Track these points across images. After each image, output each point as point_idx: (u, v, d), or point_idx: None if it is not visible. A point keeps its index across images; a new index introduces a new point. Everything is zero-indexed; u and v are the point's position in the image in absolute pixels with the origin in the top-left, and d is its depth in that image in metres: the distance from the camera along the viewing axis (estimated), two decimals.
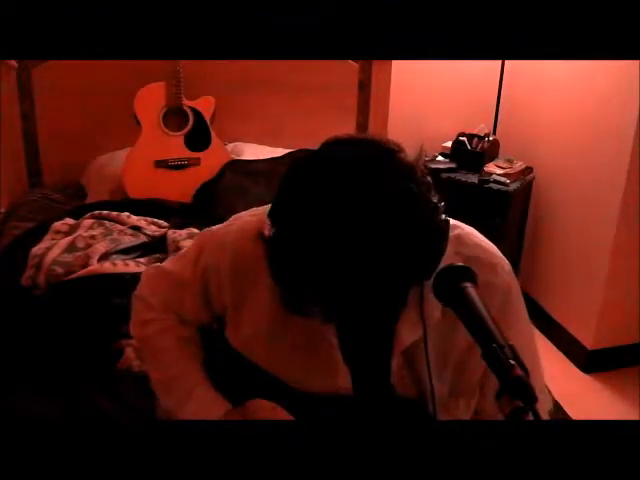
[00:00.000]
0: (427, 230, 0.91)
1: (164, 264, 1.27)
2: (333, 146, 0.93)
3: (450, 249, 1.05)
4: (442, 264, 0.97)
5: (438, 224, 0.94)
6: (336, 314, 0.99)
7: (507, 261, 1.12)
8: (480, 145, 2.93)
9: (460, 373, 1.10)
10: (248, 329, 1.13)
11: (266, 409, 1.15)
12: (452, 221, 1.11)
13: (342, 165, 0.89)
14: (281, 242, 0.92)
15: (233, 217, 1.18)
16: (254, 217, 1.13)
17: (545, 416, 1.16)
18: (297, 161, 0.93)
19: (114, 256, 2.05)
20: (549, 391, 1.21)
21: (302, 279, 0.91)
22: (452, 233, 1.06)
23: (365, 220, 0.86)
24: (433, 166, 2.86)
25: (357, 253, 0.86)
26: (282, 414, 1.14)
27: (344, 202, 0.86)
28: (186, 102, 2.54)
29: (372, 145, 0.93)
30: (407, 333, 1.06)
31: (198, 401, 1.16)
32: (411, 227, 0.89)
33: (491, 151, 2.95)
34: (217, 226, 1.21)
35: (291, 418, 1.13)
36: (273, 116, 2.89)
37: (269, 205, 0.99)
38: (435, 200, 0.93)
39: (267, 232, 0.94)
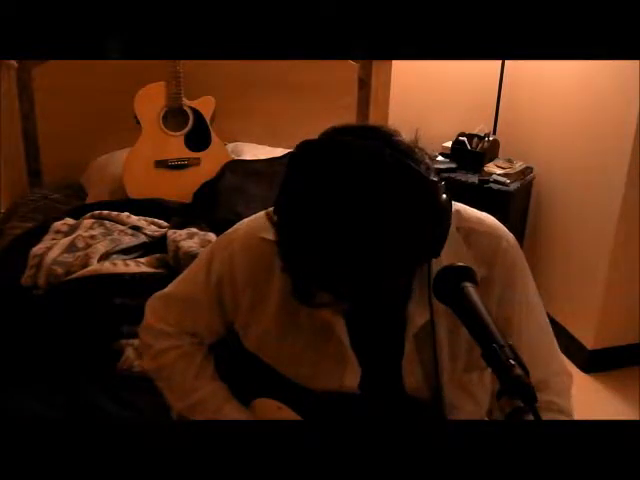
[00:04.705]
0: (430, 207, 0.91)
1: (168, 289, 1.25)
2: (334, 133, 0.93)
3: (451, 224, 1.05)
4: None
5: (440, 202, 0.93)
6: (347, 300, 0.97)
7: (511, 235, 1.12)
8: (480, 145, 2.93)
9: (472, 348, 1.09)
10: (259, 327, 1.13)
11: (272, 408, 1.15)
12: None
13: (343, 148, 0.89)
14: (287, 226, 0.91)
15: (234, 227, 1.18)
16: (256, 222, 1.14)
17: (568, 393, 1.15)
18: (298, 150, 0.92)
19: (114, 256, 2.05)
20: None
21: (310, 263, 0.90)
22: (453, 209, 1.06)
23: (367, 199, 0.85)
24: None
25: (360, 233, 0.86)
26: (288, 413, 1.14)
27: (345, 182, 0.86)
28: (186, 102, 2.54)
29: (372, 130, 0.93)
30: (418, 315, 1.06)
31: (229, 418, 1.17)
32: (413, 204, 0.88)
33: (491, 151, 2.95)
34: (219, 238, 1.21)
35: (297, 417, 1.13)
36: (273, 116, 2.89)
37: (269, 209, 0.98)
38: (435, 179, 0.92)
39: (274, 218, 0.93)
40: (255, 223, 1.14)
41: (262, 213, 1.13)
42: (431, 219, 0.91)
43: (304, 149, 0.91)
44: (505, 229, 1.12)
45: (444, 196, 0.93)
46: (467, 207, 1.12)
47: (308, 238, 0.88)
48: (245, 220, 1.18)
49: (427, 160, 0.93)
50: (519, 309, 1.10)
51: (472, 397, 1.12)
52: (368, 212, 0.85)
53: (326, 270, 0.89)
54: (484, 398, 1.14)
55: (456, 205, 1.09)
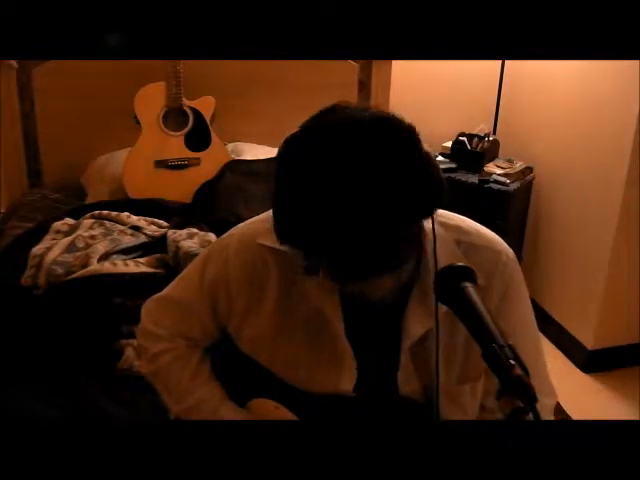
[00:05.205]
0: (416, 153, 0.91)
1: (163, 292, 1.25)
2: (325, 113, 0.94)
3: (450, 238, 1.05)
4: (443, 257, 0.96)
5: (432, 164, 0.93)
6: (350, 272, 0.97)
7: (510, 250, 1.12)
8: (480, 145, 2.93)
9: (466, 359, 1.09)
10: (252, 330, 1.13)
11: (269, 408, 1.15)
12: (452, 214, 1.10)
13: (328, 120, 0.91)
14: (286, 196, 0.91)
15: (229, 231, 1.19)
16: (252, 226, 1.14)
17: (550, 414, 1.15)
18: (287, 139, 0.94)
19: (114, 256, 2.05)
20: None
21: (314, 235, 0.89)
22: (453, 223, 1.07)
23: (354, 155, 0.86)
24: None
25: (352, 189, 0.86)
26: (285, 413, 1.14)
27: (333, 145, 0.88)
28: (186, 102, 2.54)
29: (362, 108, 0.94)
30: (416, 326, 1.06)
31: (226, 419, 1.16)
32: (399, 152, 0.89)
33: (491, 151, 2.95)
34: (214, 243, 1.21)
35: (294, 417, 1.13)
36: (273, 116, 2.89)
37: (264, 214, 0.98)
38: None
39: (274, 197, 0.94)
40: (252, 228, 1.14)
41: (258, 218, 1.13)
42: (418, 165, 0.90)
43: (293, 134, 0.93)
44: (505, 244, 1.13)
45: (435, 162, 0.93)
46: (467, 220, 1.12)
47: (306, 203, 0.88)
48: (240, 225, 1.18)
49: (416, 134, 0.93)
50: (514, 323, 1.10)
51: (462, 408, 1.12)
52: (356, 167, 0.86)
53: (324, 233, 0.88)
54: (474, 409, 1.15)
55: (456, 219, 1.10)
